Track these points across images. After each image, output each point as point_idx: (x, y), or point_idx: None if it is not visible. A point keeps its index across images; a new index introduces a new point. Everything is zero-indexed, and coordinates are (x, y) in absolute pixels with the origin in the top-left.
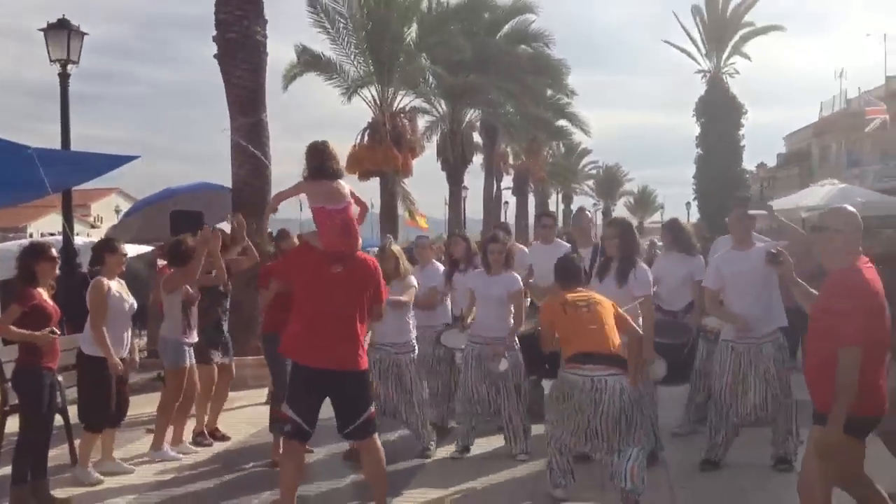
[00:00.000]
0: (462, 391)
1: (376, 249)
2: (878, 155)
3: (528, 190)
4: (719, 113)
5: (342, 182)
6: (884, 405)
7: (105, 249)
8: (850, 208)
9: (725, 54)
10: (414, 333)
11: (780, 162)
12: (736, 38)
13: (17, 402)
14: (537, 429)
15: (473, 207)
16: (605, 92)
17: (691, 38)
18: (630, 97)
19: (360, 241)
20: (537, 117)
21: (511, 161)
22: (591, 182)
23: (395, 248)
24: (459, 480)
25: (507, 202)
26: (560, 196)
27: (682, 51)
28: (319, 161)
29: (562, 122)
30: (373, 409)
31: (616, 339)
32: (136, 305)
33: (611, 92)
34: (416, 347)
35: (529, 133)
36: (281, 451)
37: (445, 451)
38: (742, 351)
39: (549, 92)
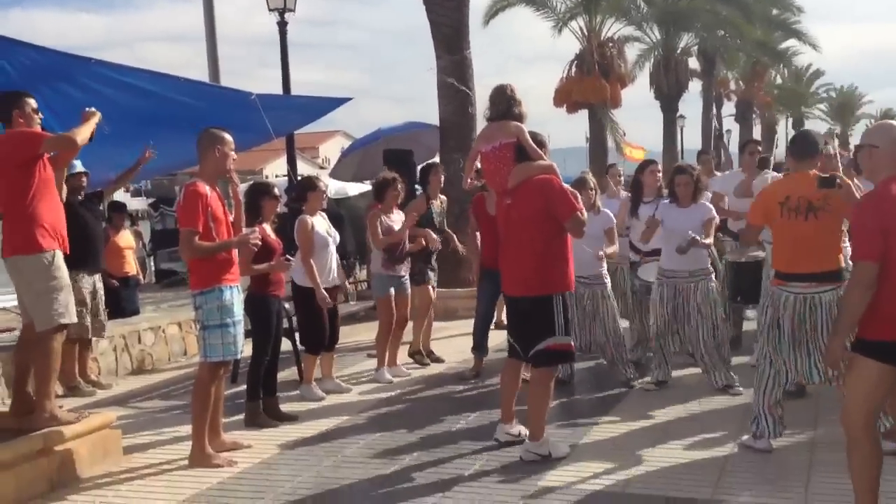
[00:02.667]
0: (654, 325)
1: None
2: None
3: (753, 117)
4: None
5: (513, 123)
6: None
7: (307, 188)
8: (891, 122)
9: None
10: (605, 266)
11: None
12: None
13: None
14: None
15: (691, 137)
16: (837, 7)
17: None
18: (867, 12)
19: (513, 176)
20: (758, 39)
21: (733, 87)
22: (823, 105)
23: (592, 180)
24: (664, 407)
25: (729, 130)
26: (790, 122)
27: None
28: (491, 105)
29: (787, 44)
30: (554, 342)
31: (835, 251)
32: (338, 238)
33: (844, 7)
34: (609, 280)
35: (750, 57)
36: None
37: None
38: None
39: (774, 11)
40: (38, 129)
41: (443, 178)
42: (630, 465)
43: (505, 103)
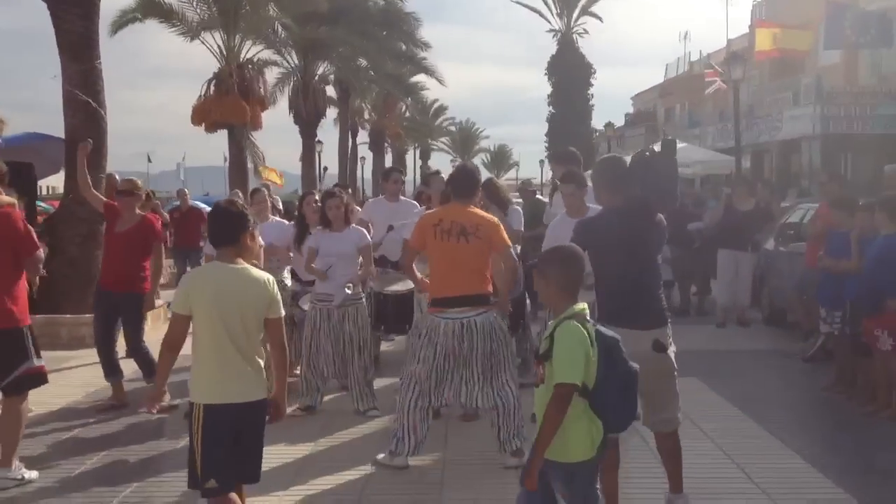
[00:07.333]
0: (308, 352)
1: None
2: (718, 116)
3: (385, 146)
4: (570, 72)
5: None
6: None
7: None
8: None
9: (576, 14)
10: None
11: (627, 121)
12: None
13: None
14: (380, 382)
15: (330, 162)
16: (459, 49)
17: None
18: (485, 54)
19: None
20: (390, 72)
21: (367, 116)
22: (446, 139)
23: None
24: (305, 438)
25: (363, 157)
26: (417, 152)
27: (534, 10)
28: None
29: (416, 79)
30: (29, 367)
31: (485, 275)
32: None
33: (465, 49)
34: None
35: (382, 88)
36: None
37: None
38: None
39: (403, 47)
40: None
41: None
42: (274, 496)
43: None
